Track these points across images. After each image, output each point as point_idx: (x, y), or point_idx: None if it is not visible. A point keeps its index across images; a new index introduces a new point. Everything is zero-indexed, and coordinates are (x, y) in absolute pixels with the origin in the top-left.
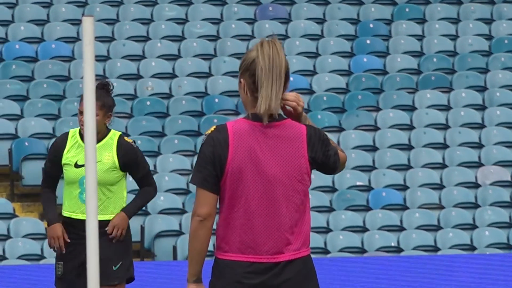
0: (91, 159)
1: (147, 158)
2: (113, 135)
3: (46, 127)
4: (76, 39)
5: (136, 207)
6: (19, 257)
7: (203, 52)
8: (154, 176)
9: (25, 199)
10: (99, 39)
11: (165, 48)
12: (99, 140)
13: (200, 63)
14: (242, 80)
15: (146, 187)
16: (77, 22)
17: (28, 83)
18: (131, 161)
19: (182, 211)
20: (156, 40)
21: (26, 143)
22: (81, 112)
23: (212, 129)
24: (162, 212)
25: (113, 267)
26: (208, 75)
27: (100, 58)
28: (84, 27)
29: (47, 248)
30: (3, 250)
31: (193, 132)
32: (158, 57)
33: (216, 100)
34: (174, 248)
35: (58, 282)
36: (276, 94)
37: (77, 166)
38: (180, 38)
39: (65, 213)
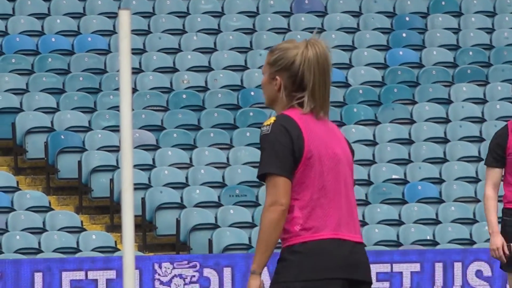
0: (128, 152)
1: (183, 152)
2: None
3: (82, 120)
4: (112, 32)
5: None
6: (54, 250)
7: (239, 45)
8: (190, 170)
9: (61, 192)
10: (135, 32)
11: (201, 41)
12: None
13: (236, 56)
14: (278, 77)
15: None
16: (113, 15)
17: (64, 76)
18: None
19: (217, 204)
20: (192, 33)
21: (62, 136)
22: None
23: (272, 120)
24: (197, 205)
25: None
26: (244, 68)
27: (136, 51)
28: (121, 20)
29: (83, 240)
30: (39, 243)
31: (229, 125)
32: (194, 50)
33: (252, 93)
34: (210, 241)
35: None
36: (328, 95)
37: None
38: (216, 31)
39: None
